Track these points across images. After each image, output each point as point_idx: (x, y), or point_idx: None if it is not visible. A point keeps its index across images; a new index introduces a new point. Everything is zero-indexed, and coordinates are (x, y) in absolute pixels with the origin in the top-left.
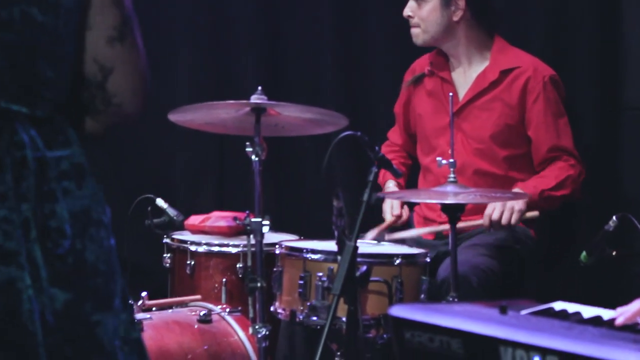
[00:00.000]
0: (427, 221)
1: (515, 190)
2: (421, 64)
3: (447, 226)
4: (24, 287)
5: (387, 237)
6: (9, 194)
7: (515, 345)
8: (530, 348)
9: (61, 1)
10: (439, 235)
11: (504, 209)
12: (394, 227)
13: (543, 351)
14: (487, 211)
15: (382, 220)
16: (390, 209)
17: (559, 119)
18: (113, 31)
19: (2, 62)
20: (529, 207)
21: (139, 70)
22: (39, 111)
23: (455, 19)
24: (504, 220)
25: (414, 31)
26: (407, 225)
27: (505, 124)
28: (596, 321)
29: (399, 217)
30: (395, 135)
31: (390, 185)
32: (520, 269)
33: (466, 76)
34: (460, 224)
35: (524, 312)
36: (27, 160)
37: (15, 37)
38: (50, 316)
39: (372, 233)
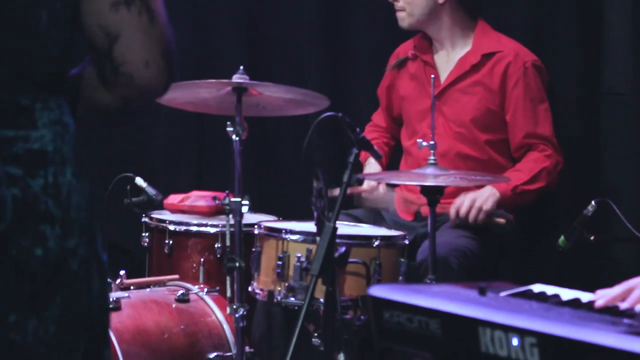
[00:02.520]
0: (407, 203)
1: (488, 187)
2: (405, 48)
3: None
4: None
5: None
6: None
7: (494, 326)
8: (508, 329)
9: None
10: (417, 217)
11: (471, 207)
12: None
13: (521, 332)
14: (456, 202)
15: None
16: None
17: (538, 105)
18: None
19: None
20: (503, 204)
21: (153, 39)
22: None
23: (440, 1)
24: (470, 219)
25: (400, 15)
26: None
27: (486, 108)
28: (575, 303)
29: (374, 188)
30: (379, 117)
31: (372, 162)
32: (498, 251)
33: (449, 59)
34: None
35: (502, 293)
36: None
37: None
38: None
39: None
